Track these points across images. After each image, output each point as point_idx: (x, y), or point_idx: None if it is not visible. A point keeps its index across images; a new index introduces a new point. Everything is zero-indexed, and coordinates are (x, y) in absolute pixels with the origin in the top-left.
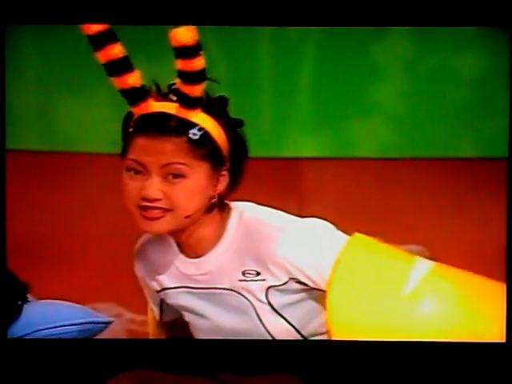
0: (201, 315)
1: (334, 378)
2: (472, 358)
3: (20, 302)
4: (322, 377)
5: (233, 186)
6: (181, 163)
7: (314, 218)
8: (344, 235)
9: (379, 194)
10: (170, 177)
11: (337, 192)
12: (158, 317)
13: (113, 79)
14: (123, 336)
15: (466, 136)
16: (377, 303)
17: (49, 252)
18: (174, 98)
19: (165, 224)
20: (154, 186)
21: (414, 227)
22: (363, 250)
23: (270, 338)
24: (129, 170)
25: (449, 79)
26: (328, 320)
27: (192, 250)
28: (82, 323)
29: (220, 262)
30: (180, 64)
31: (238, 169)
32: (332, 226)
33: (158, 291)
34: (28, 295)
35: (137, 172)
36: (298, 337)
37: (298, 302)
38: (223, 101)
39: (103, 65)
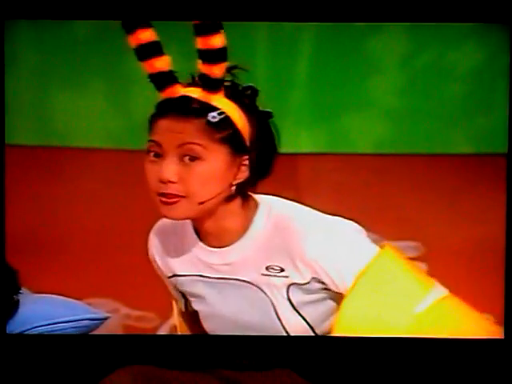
0: (213, 305)
1: (332, 373)
2: (470, 354)
3: (16, 298)
4: (321, 373)
5: (256, 178)
6: (197, 144)
7: (345, 219)
8: (373, 245)
9: (375, 190)
10: (187, 159)
11: (333, 187)
12: (182, 307)
13: (142, 64)
14: (120, 332)
15: (464, 131)
16: (387, 315)
17: (45, 246)
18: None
19: (181, 210)
20: (170, 168)
21: (410, 223)
22: (389, 264)
23: (270, 334)
24: (149, 152)
25: (446, 74)
26: (336, 321)
27: (215, 240)
28: (79, 320)
29: (245, 254)
30: (199, 42)
31: (262, 161)
32: (362, 230)
33: (169, 277)
34: (21, 287)
35: (156, 155)
36: (311, 334)
37: (317, 301)
38: (253, 90)
39: (134, 49)
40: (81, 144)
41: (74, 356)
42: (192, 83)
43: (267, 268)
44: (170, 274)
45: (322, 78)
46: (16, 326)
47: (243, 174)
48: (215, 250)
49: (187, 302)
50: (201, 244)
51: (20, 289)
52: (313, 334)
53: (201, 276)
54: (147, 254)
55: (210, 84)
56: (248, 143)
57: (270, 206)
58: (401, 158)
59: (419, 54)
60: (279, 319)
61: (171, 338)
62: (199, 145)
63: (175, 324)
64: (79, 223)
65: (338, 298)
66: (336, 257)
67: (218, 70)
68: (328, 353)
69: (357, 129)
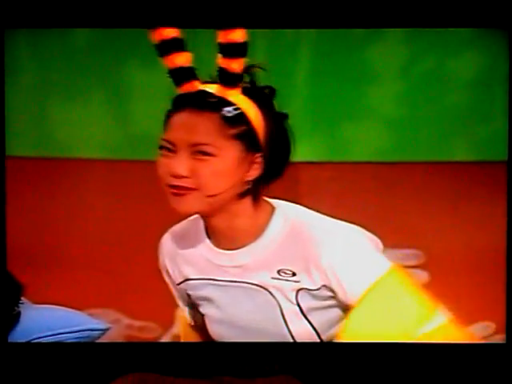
0: (220, 308)
1: (335, 380)
2: (472, 359)
3: (17, 309)
4: (324, 379)
5: (269, 178)
6: (210, 144)
7: (359, 228)
8: (387, 260)
9: (375, 198)
10: (199, 154)
11: (332, 196)
12: (190, 320)
13: (163, 59)
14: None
15: (464, 139)
16: (390, 334)
17: (47, 257)
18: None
19: (191, 202)
20: (182, 163)
21: (411, 231)
22: (397, 283)
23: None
24: (161, 148)
25: (445, 82)
26: (341, 332)
27: (227, 242)
28: (80, 330)
29: (257, 257)
30: (220, 36)
31: (276, 161)
32: (379, 242)
33: (180, 283)
34: (22, 298)
35: (168, 150)
36: (317, 340)
37: (324, 308)
38: (271, 90)
39: (156, 45)
40: (82, 155)
41: (75, 364)
42: (210, 81)
43: (279, 272)
44: (181, 280)
45: (320, 86)
46: (17, 336)
47: (255, 171)
48: (227, 252)
49: (193, 310)
50: (212, 246)
51: (21, 300)
52: (317, 341)
53: (211, 279)
54: (149, 264)
55: (227, 78)
56: (262, 141)
57: (287, 211)
58: (401, 165)
59: (418, 62)
60: (286, 323)
61: (173, 346)
62: (212, 142)
63: (178, 334)
64: (80, 234)
65: (344, 307)
66: (351, 267)
67: (236, 65)
68: (331, 359)
69: (356, 137)
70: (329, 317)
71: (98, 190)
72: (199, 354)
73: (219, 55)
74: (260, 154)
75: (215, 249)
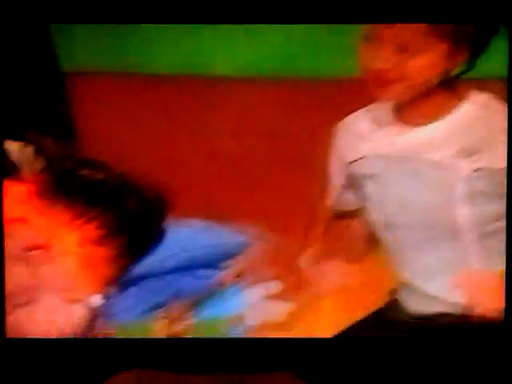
0: (390, 185)
1: (337, 377)
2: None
3: (163, 226)
4: (324, 376)
5: (471, 64)
6: (416, 34)
7: None
8: None
9: None
10: (403, 47)
11: None
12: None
13: None
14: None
15: None
16: None
17: (192, 172)
18: None
19: (394, 92)
20: (386, 56)
21: None
22: None
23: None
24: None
25: None
26: None
27: (411, 118)
28: (224, 244)
29: (439, 135)
30: None
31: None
32: None
33: (353, 161)
34: (167, 214)
35: (372, 42)
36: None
37: (491, 195)
38: None
39: None
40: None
41: (74, 360)
42: None
43: (459, 151)
44: (356, 158)
45: None
46: (163, 251)
47: (460, 58)
48: (408, 127)
49: (354, 194)
50: (394, 121)
51: (164, 217)
52: (312, 337)
53: (386, 156)
54: (294, 178)
55: None
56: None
57: (478, 99)
58: None
59: None
60: (455, 203)
61: (174, 341)
62: (418, 34)
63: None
64: (220, 148)
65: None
66: None
67: None
68: (332, 356)
69: None
70: (493, 209)
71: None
72: (201, 349)
73: None
74: (467, 42)
75: (397, 124)
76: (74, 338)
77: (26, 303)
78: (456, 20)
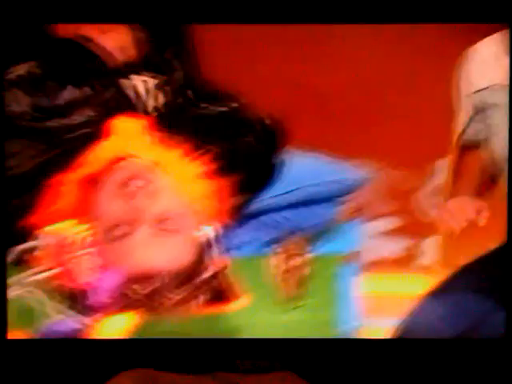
0: None
1: (334, 376)
2: (470, 354)
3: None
4: (323, 375)
5: None
6: None
7: None
8: None
9: None
10: None
11: None
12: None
13: None
14: None
15: None
16: None
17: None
18: None
19: None
20: None
21: None
22: None
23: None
24: None
25: None
26: None
27: None
28: (343, 180)
29: None
30: None
31: None
32: None
33: (478, 91)
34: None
35: None
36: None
37: None
38: None
39: None
40: None
41: (76, 360)
42: None
43: None
44: (475, 89)
45: None
46: (276, 189)
47: None
48: None
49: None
50: None
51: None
52: (311, 337)
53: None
54: (410, 113)
55: None
56: None
57: None
58: None
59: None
60: None
61: (172, 341)
62: None
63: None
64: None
65: None
66: None
67: None
68: (330, 355)
69: None
70: None
71: None
72: (199, 349)
73: None
74: None
75: None
76: (74, 338)
77: (123, 235)
78: (457, 19)
